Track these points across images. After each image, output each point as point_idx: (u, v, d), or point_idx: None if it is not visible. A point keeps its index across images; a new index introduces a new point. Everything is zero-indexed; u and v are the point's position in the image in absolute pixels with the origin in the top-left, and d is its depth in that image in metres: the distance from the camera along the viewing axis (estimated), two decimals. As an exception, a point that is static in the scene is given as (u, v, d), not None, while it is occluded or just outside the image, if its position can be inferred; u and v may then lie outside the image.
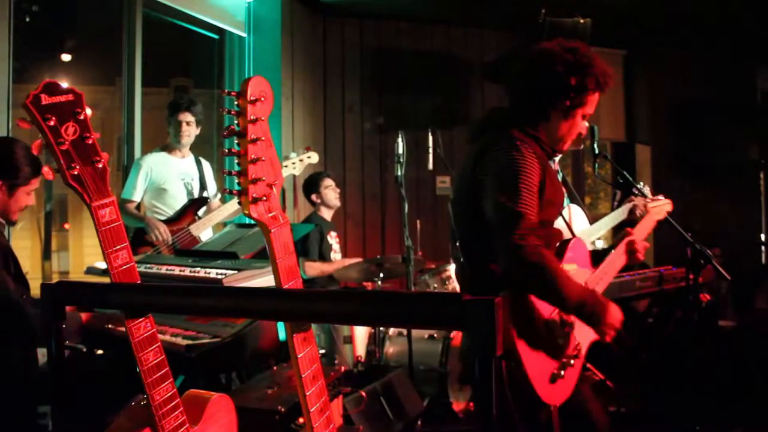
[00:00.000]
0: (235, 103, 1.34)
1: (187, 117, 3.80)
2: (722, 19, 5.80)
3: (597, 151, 3.10)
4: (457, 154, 5.85)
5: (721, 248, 5.15)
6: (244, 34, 5.24)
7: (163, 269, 2.64)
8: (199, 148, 3.97)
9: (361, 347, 4.03)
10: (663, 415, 3.83)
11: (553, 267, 1.85)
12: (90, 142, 1.40)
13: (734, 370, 4.03)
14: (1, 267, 2.24)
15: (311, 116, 5.74)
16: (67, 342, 2.40)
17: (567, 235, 2.41)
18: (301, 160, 3.56)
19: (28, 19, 4.02)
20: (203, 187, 3.93)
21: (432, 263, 4.59)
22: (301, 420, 2.35)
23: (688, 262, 2.91)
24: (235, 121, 1.34)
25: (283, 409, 2.35)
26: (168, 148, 3.86)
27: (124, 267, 1.42)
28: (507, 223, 1.86)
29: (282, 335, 2.60)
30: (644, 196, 3.48)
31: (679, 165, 6.57)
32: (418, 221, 5.12)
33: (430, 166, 4.60)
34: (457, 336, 3.92)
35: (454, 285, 4.33)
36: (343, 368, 3.33)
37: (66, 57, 4.89)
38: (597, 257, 2.23)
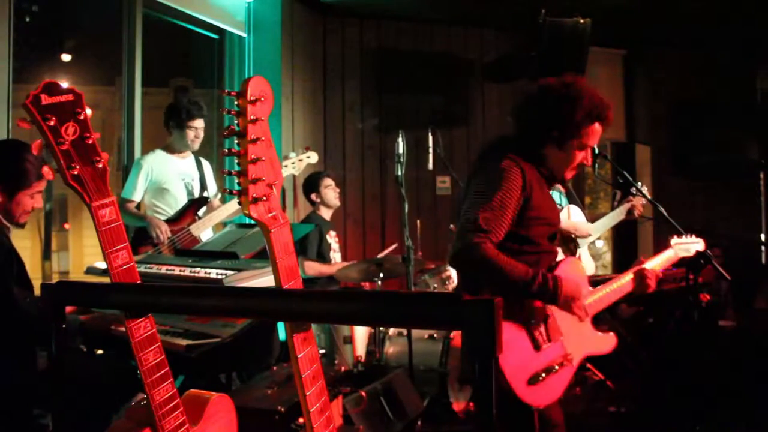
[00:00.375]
0: (235, 103, 1.34)
1: (200, 124, 3.81)
2: (722, 19, 5.80)
3: (597, 151, 3.10)
4: (457, 154, 5.86)
5: (721, 248, 5.15)
6: (244, 34, 5.24)
7: (163, 269, 2.64)
8: (199, 148, 3.96)
9: (361, 347, 4.03)
10: (663, 415, 3.83)
11: (493, 258, 1.91)
12: (90, 142, 1.40)
13: (734, 370, 4.03)
14: (5, 273, 2.23)
15: (311, 116, 5.74)
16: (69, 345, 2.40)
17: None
18: (300, 160, 3.58)
19: (28, 19, 4.02)
20: (203, 187, 3.93)
21: (432, 263, 4.59)
22: (301, 420, 2.35)
23: (688, 262, 2.91)
24: (235, 121, 1.34)
25: (283, 409, 2.35)
26: (168, 148, 3.85)
27: (124, 267, 1.42)
28: (462, 225, 1.96)
29: (282, 335, 2.60)
30: (643, 195, 3.49)
31: (679, 165, 6.58)
32: (418, 221, 5.12)
33: (430, 166, 4.60)
34: (457, 336, 3.92)
35: (454, 285, 4.33)
36: (343, 368, 3.34)
37: (66, 57, 4.89)
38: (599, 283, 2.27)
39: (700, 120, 6.53)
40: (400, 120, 5.65)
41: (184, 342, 2.26)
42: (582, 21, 5.12)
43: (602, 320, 2.61)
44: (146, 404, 1.46)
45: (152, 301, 1.32)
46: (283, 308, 1.17)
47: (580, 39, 5.15)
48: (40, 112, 1.34)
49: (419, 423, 3.44)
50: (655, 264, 2.47)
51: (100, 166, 1.41)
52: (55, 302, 1.31)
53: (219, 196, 4.02)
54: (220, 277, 2.44)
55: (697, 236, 2.80)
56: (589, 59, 5.29)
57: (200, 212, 3.76)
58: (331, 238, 4.61)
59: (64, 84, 1.38)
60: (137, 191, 3.72)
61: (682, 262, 2.79)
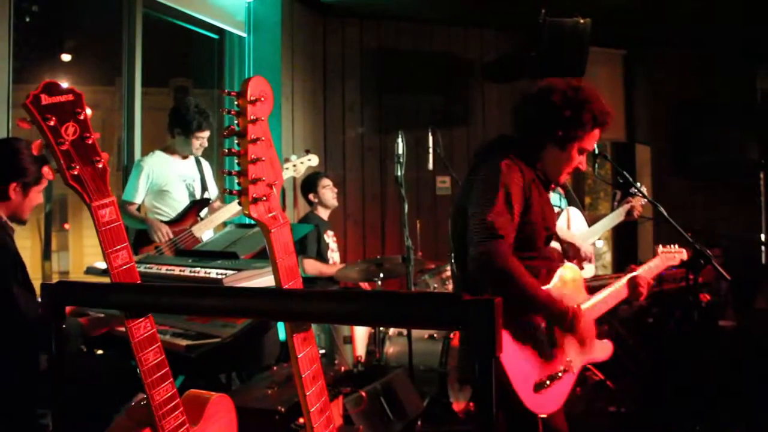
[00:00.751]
0: (235, 103, 1.34)
1: (207, 134, 3.83)
2: (722, 19, 5.80)
3: (597, 152, 3.10)
4: (457, 154, 5.86)
5: (721, 248, 5.15)
6: (244, 34, 5.24)
7: (163, 269, 2.64)
8: (198, 148, 3.96)
9: (361, 347, 4.03)
10: (663, 415, 3.84)
11: (517, 274, 1.90)
12: (90, 142, 1.40)
13: (734, 370, 4.04)
14: (9, 275, 2.23)
15: (311, 116, 5.74)
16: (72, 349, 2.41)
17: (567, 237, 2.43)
18: (301, 163, 3.61)
19: (28, 19, 4.02)
20: (204, 188, 3.93)
21: (432, 263, 4.59)
22: (301, 420, 2.35)
23: (688, 262, 2.91)
24: (235, 121, 1.34)
25: (283, 409, 2.36)
26: (169, 150, 3.85)
27: (124, 267, 1.42)
28: (476, 229, 1.95)
29: (282, 335, 2.61)
30: (643, 195, 3.48)
31: (679, 165, 6.58)
32: (418, 221, 5.12)
33: (430, 166, 4.60)
34: (457, 336, 3.92)
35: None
36: (343, 368, 3.34)
37: (66, 57, 4.88)
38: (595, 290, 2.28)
39: (700, 120, 6.52)
40: (400, 120, 5.65)
41: (184, 342, 2.26)
42: (582, 21, 5.12)
43: (602, 320, 2.60)
44: (146, 404, 1.46)
45: (152, 301, 1.32)
46: (283, 308, 1.17)
47: (580, 39, 5.15)
48: (40, 112, 1.34)
49: (419, 423, 3.44)
50: (648, 272, 2.49)
51: (100, 166, 1.41)
52: (55, 302, 1.31)
53: (219, 197, 4.02)
54: (219, 277, 2.44)
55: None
56: (589, 59, 5.29)
57: (202, 213, 3.77)
58: (329, 237, 4.61)
59: (64, 84, 1.38)
60: (138, 193, 3.72)
61: (682, 263, 2.80)
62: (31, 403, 2.27)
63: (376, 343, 3.99)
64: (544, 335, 2.03)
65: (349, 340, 3.98)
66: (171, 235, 3.54)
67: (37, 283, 2.31)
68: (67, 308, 2.15)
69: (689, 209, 6.04)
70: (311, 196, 4.60)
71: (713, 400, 3.72)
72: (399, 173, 3.96)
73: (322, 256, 4.48)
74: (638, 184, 3.42)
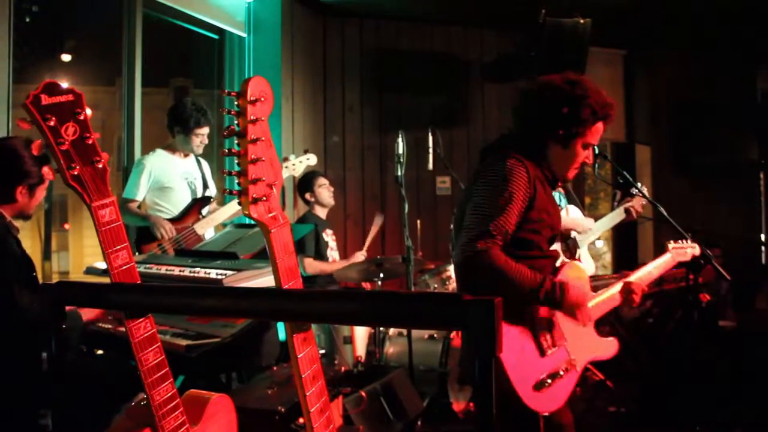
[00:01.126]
0: (235, 103, 1.34)
1: (206, 130, 3.84)
2: (722, 19, 5.80)
3: (597, 152, 3.10)
4: (457, 154, 5.86)
5: (721, 248, 5.15)
6: (244, 34, 5.24)
7: (163, 269, 2.64)
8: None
9: (361, 347, 4.03)
10: (663, 415, 3.84)
11: (501, 265, 1.89)
12: (90, 142, 1.40)
13: (734, 370, 4.03)
14: (11, 276, 2.23)
15: (311, 116, 5.74)
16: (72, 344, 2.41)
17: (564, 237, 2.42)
18: (300, 162, 3.63)
19: (28, 19, 4.02)
20: (206, 186, 3.95)
21: (432, 263, 4.59)
22: (301, 420, 2.35)
23: (688, 263, 2.90)
24: (235, 122, 1.34)
25: (283, 409, 2.36)
26: (170, 148, 3.86)
27: (124, 267, 1.42)
28: (468, 231, 1.93)
29: (282, 335, 2.60)
30: (643, 195, 3.48)
31: (679, 165, 6.58)
32: (418, 221, 5.12)
33: (430, 166, 4.60)
34: (457, 336, 3.92)
35: (454, 285, 4.33)
36: (343, 368, 3.34)
37: (66, 57, 4.88)
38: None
39: (700, 120, 6.53)
40: (400, 120, 5.65)
41: (184, 342, 2.26)
42: (582, 21, 5.13)
43: (603, 321, 2.60)
44: (146, 404, 1.46)
45: (152, 301, 1.32)
46: (283, 308, 1.17)
47: (580, 39, 5.15)
48: (40, 112, 1.34)
49: (419, 423, 3.44)
50: (650, 271, 2.46)
51: (100, 166, 1.41)
52: (55, 302, 1.31)
53: (217, 196, 4.03)
54: (219, 277, 2.44)
55: (693, 240, 2.80)
56: (589, 59, 5.29)
57: (204, 211, 3.78)
58: (328, 236, 4.62)
59: (64, 84, 1.38)
60: (140, 191, 3.72)
61: (682, 263, 2.79)
62: (32, 402, 2.27)
63: (376, 343, 3.99)
64: (545, 334, 2.03)
65: (349, 340, 3.98)
66: (174, 232, 3.56)
67: (37, 284, 2.31)
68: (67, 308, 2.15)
69: (689, 209, 6.04)
70: (308, 196, 4.61)
71: (713, 400, 3.72)
72: (399, 173, 3.96)
73: (321, 256, 4.49)
74: (639, 185, 3.42)
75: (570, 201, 3.66)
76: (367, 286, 4.51)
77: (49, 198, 4.44)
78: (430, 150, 4.55)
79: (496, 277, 1.89)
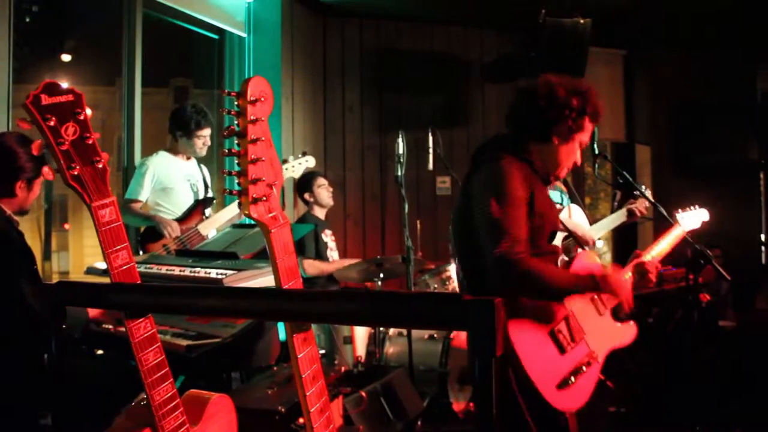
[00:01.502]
0: (235, 103, 1.34)
1: (207, 132, 3.86)
2: (722, 19, 5.80)
3: (597, 152, 3.10)
4: (457, 154, 5.86)
5: (721, 248, 5.15)
6: (244, 34, 5.24)
7: (164, 269, 2.64)
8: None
9: (361, 347, 4.03)
10: (663, 415, 3.84)
11: (539, 271, 1.89)
12: (90, 142, 1.40)
13: (734, 370, 4.03)
14: (15, 270, 2.24)
15: (311, 116, 5.74)
16: (75, 336, 2.41)
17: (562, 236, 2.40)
18: (299, 164, 3.67)
19: (28, 19, 4.02)
20: (207, 188, 3.97)
21: (432, 263, 4.59)
22: (301, 420, 2.35)
23: (688, 262, 2.90)
24: (235, 122, 1.34)
25: (283, 409, 2.36)
26: (172, 150, 3.88)
27: (124, 267, 1.42)
28: (492, 234, 1.91)
29: (282, 335, 2.60)
30: (645, 197, 3.47)
31: (679, 165, 6.57)
32: (418, 221, 5.11)
33: (430, 166, 4.60)
34: (457, 336, 3.92)
35: (454, 285, 4.33)
36: (343, 368, 3.34)
37: (66, 57, 4.88)
38: None
39: (700, 120, 6.52)
40: (400, 120, 5.65)
41: (184, 342, 2.26)
42: (582, 21, 5.13)
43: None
44: (146, 404, 1.46)
45: (152, 301, 1.32)
46: (283, 308, 1.17)
47: (580, 39, 5.15)
48: (40, 112, 1.34)
49: (419, 423, 3.44)
50: (663, 247, 2.42)
51: (100, 166, 1.41)
52: (55, 302, 1.31)
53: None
54: (220, 277, 2.44)
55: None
56: (589, 59, 5.29)
57: (207, 212, 3.80)
58: (327, 236, 4.62)
59: (64, 84, 1.38)
60: (144, 191, 3.73)
61: (681, 262, 2.79)
62: (32, 402, 2.27)
63: (376, 343, 3.99)
64: (564, 331, 2.01)
65: (349, 340, 3.98)
66: (179, 231, 3.58)
67: (37, 284, 2.31)
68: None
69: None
70: (307, 196, 4.61)
71: (713, 400, 3.72)
72: (399, 173, 3.96)
73: (321, 256, 4.49)
74: (642, 187, 3.42)
75: (573, 200, 3.66)
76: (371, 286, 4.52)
77: (49, 198, 4.44)
78: (430, 150, 4.55)
79: (539, 282, 1.88)
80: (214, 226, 3.70)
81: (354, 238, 5.92)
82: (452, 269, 4.36)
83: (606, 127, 6.54)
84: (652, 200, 3.29)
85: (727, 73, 6.52)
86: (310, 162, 3.75)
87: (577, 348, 2.03)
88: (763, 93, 6.90)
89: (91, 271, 2.92)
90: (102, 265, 2.69)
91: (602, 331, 2.13)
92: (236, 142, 1.35)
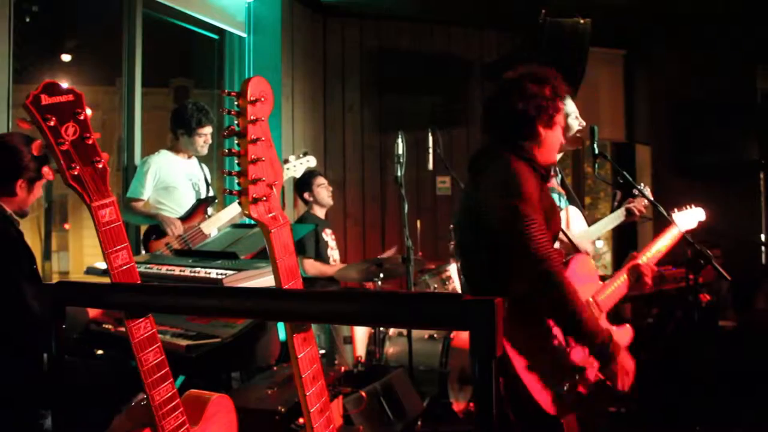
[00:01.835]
0: (235, 103, 1.34)
1: (208, 130, 3.87)
2: (722, 19, 5.80)
3: (597, 152, 3.09)
4: (457, 154, 5.85)
5: (721, 248, 5.15)
6: (244, 34, 5.24)
7: (164, 269, 2.64)
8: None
9: (361, 347, 4.03)
10: (663, 415, 3.84)
11: (572, 294, 1.84)
12: (90, 142, 1.40)
13: (734, 370, 4.03)
14: (16, 269, 2.24)
15: (311, 116, 5.74)
16: (74, 336, 2.41)
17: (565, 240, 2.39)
18: (300, 164, 3.69)
19: (28, 19, 4.02)
20: (208, 187, 3.97)
21: (432, 263, 4.59)
22: (301, 420, 2.35)
23: (688, 263, 2.90)
24: (235, 122, 1.34)
25: (283, 409, 2.36)
26: (174, 149, 3.88)
27: (124, 267, 1.42)
28: (522, 240, 1.83)
29: (282, 335, 2.60)
30: (644, 196, 3.47)
31: (679, 165, 6.57)
32: (418, 221, 5.11)
33: (430, 166, 4.60)
34: (457, 336, 3.92)
35: (454, 285, 4.33)
36: (343, 368, 3.34)
37: (66, 57, 4.89)
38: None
39: (700, 120, 6.52)
40: (400, 120, 5.65)
41: (184, 342, 2.26)
42: (582, 21, 5.12)
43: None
44: (146, 404, 1.46)
45: (152, 301, 1.32)
46: (283, 308, 1.17)
47: (580, 39, 5.15)
48: (40, 112, 1.34)
49: (419, 423, 3.44)
50: (659, 248, 2.37)
51: (100, 166, 1.41)
52: (55, 302, 1.31)
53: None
54: (220, 277, 2.44)
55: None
56: (589, 59, 5.29)
57: (209, 211, 3.81)
58: (327, 236, 4.62)
59: (64, 84, 1.38)
60: (146, 189, 3.73)
61: (681, 263, 2.78)
62: (33, 402, 2.27)
63: (376, 343, 3.99)
64: (560, 336, 1.98)
65: (349, 340, 3.98)
66: (182, 230, 3.58)
67: (37, 284, 2.31)
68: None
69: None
70: (306, 195, 4.62)
71: (713, 400, 3.72)
72: (399, 173, 3.96)
73: (321, 256, 4.49)
74: (641, 185, 3.41)
75: (570, 202, 3.65)
76: (370, 286, 4.52)
77: (49, 198, 4.44)
78: (430, 150, 4.55)
79: (563, 301, 1.83)
80: (216, 225, 3.71)
81: (354, 238, 5.92)
82: (452, 269, 4.36)
83: (606, 127, 6.54)
84: (651, 199, 3.29)
85: (727, 73, 6.52)
86: (311, 162, 3.77)
87: (573, 353, 2.00)
88: (763, 93, 6.89)
89: (91, 271, 2.92)
90: (102, 265, 2.69)
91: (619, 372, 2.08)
92: (236, 142, 1.35)
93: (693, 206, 2.71)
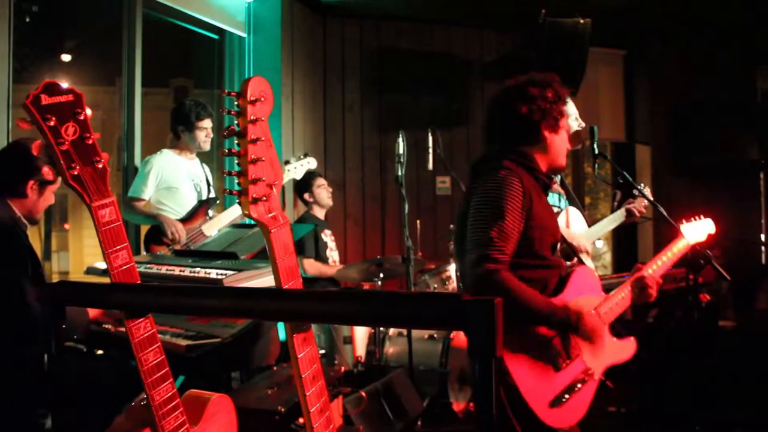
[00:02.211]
0: (235, 103, 1.34)
1: (208, 123, 3.86)
2: (722, 19, 5.80)
3: (597, 152, 3.09)
4: (457, 154, 5.86)
5: (721, 248, 5.14)
6: (244, 34, 5.24)
7: (164, 269, 2.64)
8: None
9: (361, 347, 4.03)
10: (663, 415, 3.83)
11: (512, 289, 1.86)
12: (90, 142, 1.40)
13: (734, 370, 4.03)
14: (20, 270, 2.24)
15: (311, 116, 5.74)
16: (75, 336, 2.41)
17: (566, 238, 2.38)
18: (301, 165, 3.69)
19: (28, 19, 4.02)
20: (210, 187, 3.97)
21: (432, 263, 4.59)
22: (301, 420, 2.35)
23: (688, 262, 2.89)
24: (235, 122, 1.34)
25: (283, 409, 2.36)
26: (176, 149, 3.88)
27: (124, 267, 1.42)
28: (476, 246, 1.90)
29: (282, 335, 2.61)
30: (644, 197, 3.47)
31: (679, 165, 6.57)
32: (418, 221, 5.12)
33: (430, 166, 4.60)
34: (457, 336, 3.92)
35: (454, 285, 4.33)
36: (343, 368, 3.34)
37: (66, 57, 4.89)
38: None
39: (700, 120, 6.52)
40: (400, 120, 5.65)
41: (184, 342, 2.26)
42: (582, 21, 5.13)
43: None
44: (146, 404, 1.46)
45: (152, 301, 1.32)
46: (283, 308, 1.17)
47: (580, 39, 5.15)
48: (40, 112, 1.34)
49: (419, 423, 3.44)
50: (665, 261, 2.35)
51: (100, 166, 1.41)
52: (55, 302, 1.31)
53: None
54: (220, 277, 2.44)
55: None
56: (589, 59, 5.29)
57: (210, 212, 3.80)
58: (327, 236, 4.62)
59: (64, 84, 1.38)
60: (148, 189, 3.72)
61: (682, 262, 2.77)
62: (33, 402, 2.27)
63: (376, 343, 3.99)
64: (559, 348, 1.97)
65: (349, 340, 3.99)
66: (184, 233, 3.57)
67: (37, 284, 2.31)
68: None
69: (689, 209, 6.03)
70: (306, 196, 4.62)
71: (713, 400, 3.72)
72: (399, 173, 3.96)
73: (320, 256, 4.49)
74: (641, 185, 3.41)
75: (571, 203, 3.65)
76: (367, 286, 4.52)
77: (48, 198, 4.44)
78: (430, 150, 4.55)
79: (508, 298, 1.83)
80: (217, 226, 3.69)
81: (354, 238, 5.92)
82: (452, 269, 4.36)
83: (606, 126, 6.54)
84: (651, 199, 3.28)
85: (727, 73, 6.52)
86: (311, 163, 3.76)
87: (572, 365, 1.99)
88: (762, 93, 6.89)
89: (91, 271, 2.92)
90: (102, 265, 2.69)
91: (600, 348, 2.07)
92: (236, 142, 1.35)
93: (701, 217, 2.67)
